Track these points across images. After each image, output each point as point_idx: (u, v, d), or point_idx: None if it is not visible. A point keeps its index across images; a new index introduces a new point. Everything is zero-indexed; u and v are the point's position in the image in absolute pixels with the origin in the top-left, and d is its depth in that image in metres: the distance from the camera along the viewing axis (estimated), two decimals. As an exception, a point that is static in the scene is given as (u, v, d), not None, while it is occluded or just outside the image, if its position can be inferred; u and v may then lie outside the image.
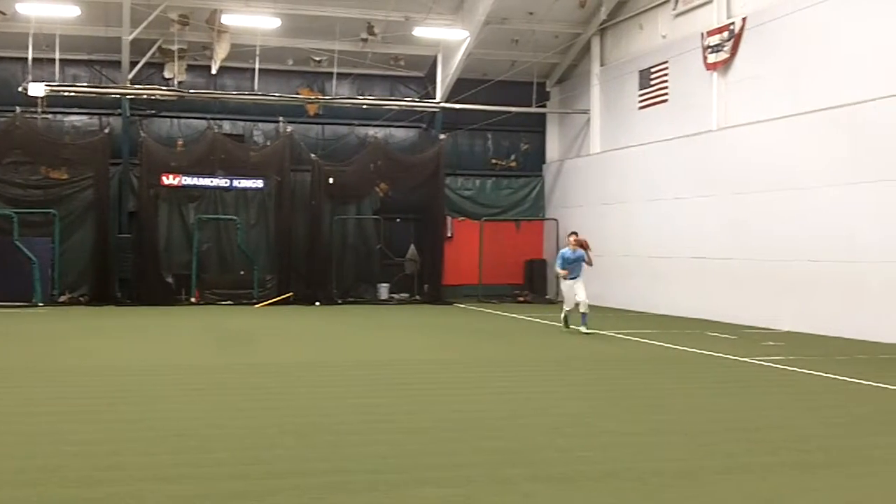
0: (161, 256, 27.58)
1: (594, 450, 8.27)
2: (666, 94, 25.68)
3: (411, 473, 7.31)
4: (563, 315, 19.69)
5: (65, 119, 28.45)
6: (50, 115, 27.71)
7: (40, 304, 25.56)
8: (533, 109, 30.68)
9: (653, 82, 26.23)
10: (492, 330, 20.70)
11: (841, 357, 15.42)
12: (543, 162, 32.68)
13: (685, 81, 24.73)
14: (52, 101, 26.92)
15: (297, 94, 29.75)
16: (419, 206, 30.57)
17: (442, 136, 29.87)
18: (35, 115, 26.98)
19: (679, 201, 24.46)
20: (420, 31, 27.70)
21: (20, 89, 25.97)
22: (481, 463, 7.69)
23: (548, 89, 32.03)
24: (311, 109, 30.05)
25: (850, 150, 18.79)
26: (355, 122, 30.56)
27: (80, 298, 26.88)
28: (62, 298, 26.64)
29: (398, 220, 30.94)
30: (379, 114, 30.14)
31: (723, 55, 22.93)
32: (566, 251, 19.26)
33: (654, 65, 26.19)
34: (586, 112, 29.99)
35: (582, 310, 18.65)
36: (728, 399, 11.32)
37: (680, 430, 9.21)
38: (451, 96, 29.78)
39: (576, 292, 18.74)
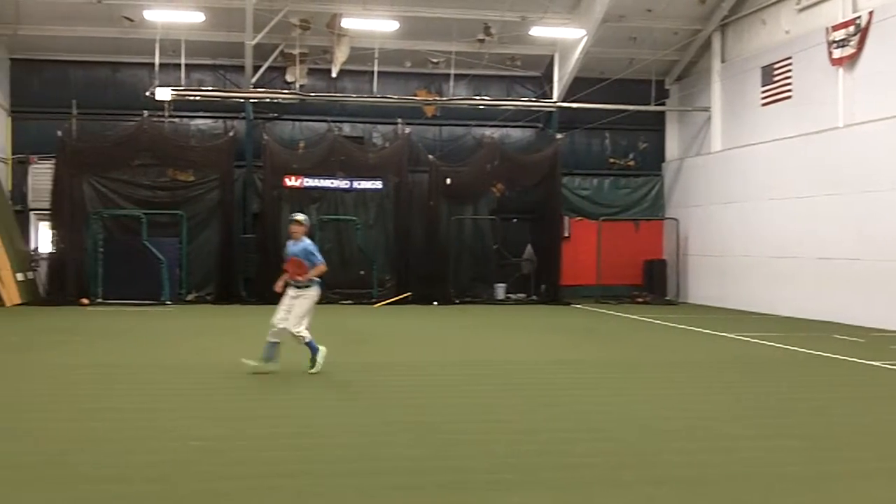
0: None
1: (714, 453, 8.13)
2: (790, 90, 25.01)
3: (528, 474, 7.30)
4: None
5: (190, 122, 29.21)
6: (176, 119, 28.55)
7: (168, 303, 26.33)
8: (651, 108, 30.35)
9: (776, 78, 25.58)
10: (609, 331, 20.52)
11: (977, 362, 14.80)
12: (662, 160, 32.21)
13: (809, 77, 24.03)
14: (178, 105, 27.79)
15: (415, 95, 30.04)
16: (536, 206, 30.49)
17: (559, 136, 29.72)
18: (162, 119, 27.85)
19: (802, 200, 23.79)
20: (536, 31, 27.64)
21: (147, 94, 26.87)
22: (599, 465, 7.66)
23: (667, 87, 31.56)
24: (429, 111, 30.28)
25: None
26: (472, 122, 30.67)
27: (207, 297, 27.57)
28: (189, 297, 27.44)
29: (515, 220, 30.90)
30: (495, 114, 30.19)
31: (849, 50, 22.20)
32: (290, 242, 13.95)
33: (777, 61, 25.53)
34: (707, 110, 29.43)
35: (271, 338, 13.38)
36: (854, 403, 10.98)
37: (804, 435, 8.98)
38: (567, 95, 29.63)
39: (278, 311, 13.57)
